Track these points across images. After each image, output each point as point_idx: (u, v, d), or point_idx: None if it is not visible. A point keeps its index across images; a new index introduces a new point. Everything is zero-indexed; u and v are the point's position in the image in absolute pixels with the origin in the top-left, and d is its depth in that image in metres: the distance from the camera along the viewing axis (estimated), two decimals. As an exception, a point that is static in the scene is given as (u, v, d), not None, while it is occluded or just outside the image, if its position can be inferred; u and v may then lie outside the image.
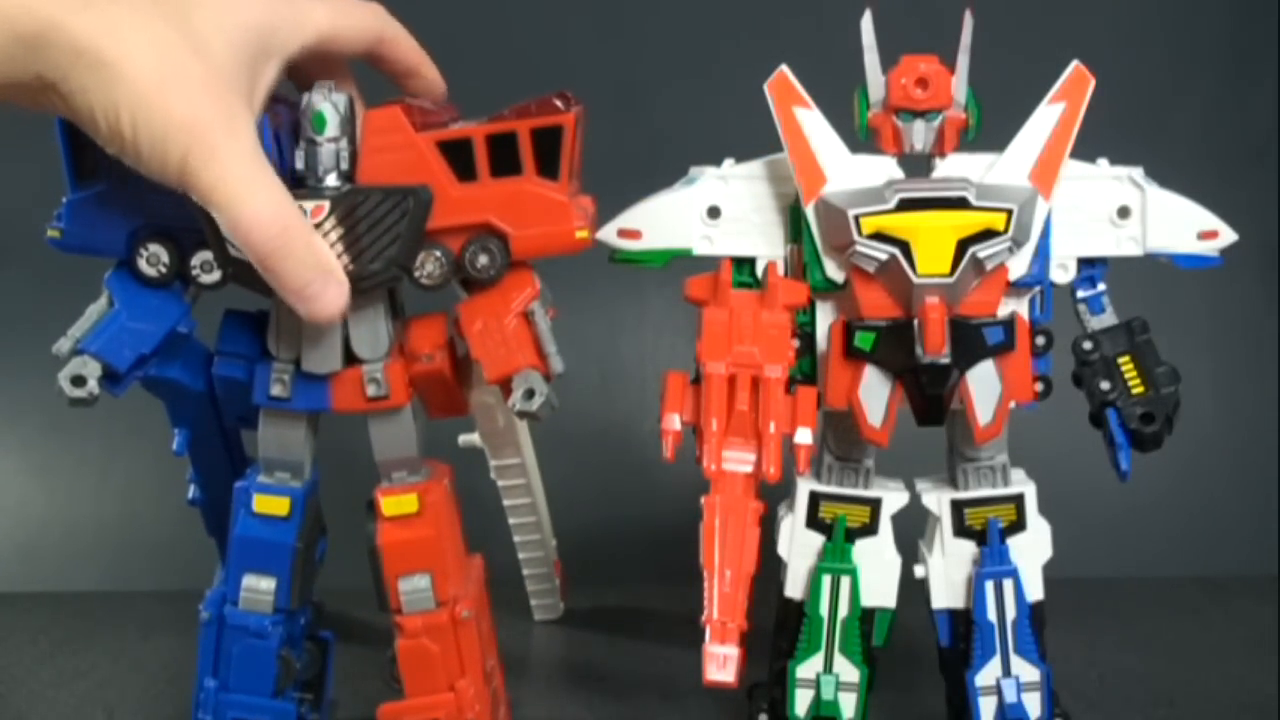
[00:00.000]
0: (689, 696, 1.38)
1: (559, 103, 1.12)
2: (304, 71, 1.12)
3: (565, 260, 1.14)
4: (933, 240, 1.12)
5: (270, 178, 1.01)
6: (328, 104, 1.11)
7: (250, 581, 1.18)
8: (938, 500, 1.23)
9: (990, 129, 1.19)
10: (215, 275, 1.12)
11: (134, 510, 1.80)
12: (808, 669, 1.22)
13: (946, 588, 1.23)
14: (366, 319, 1.15)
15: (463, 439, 1.49)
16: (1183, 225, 1.20)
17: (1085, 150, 1.19)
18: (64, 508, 1.82)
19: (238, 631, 1.18)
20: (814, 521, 1.22)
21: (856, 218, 1.13)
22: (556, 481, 1.58)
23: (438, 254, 1.13)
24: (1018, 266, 1.16)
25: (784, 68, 1.18)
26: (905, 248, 1.12)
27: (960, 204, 1.13)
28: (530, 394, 1.12)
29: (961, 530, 1.22)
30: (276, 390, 1.15)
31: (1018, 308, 1.18)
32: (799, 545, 1.22)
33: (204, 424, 1.26)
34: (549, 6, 1.92)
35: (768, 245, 1.20)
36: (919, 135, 1.17)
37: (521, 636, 1.57)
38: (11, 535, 1.80)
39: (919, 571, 1.23)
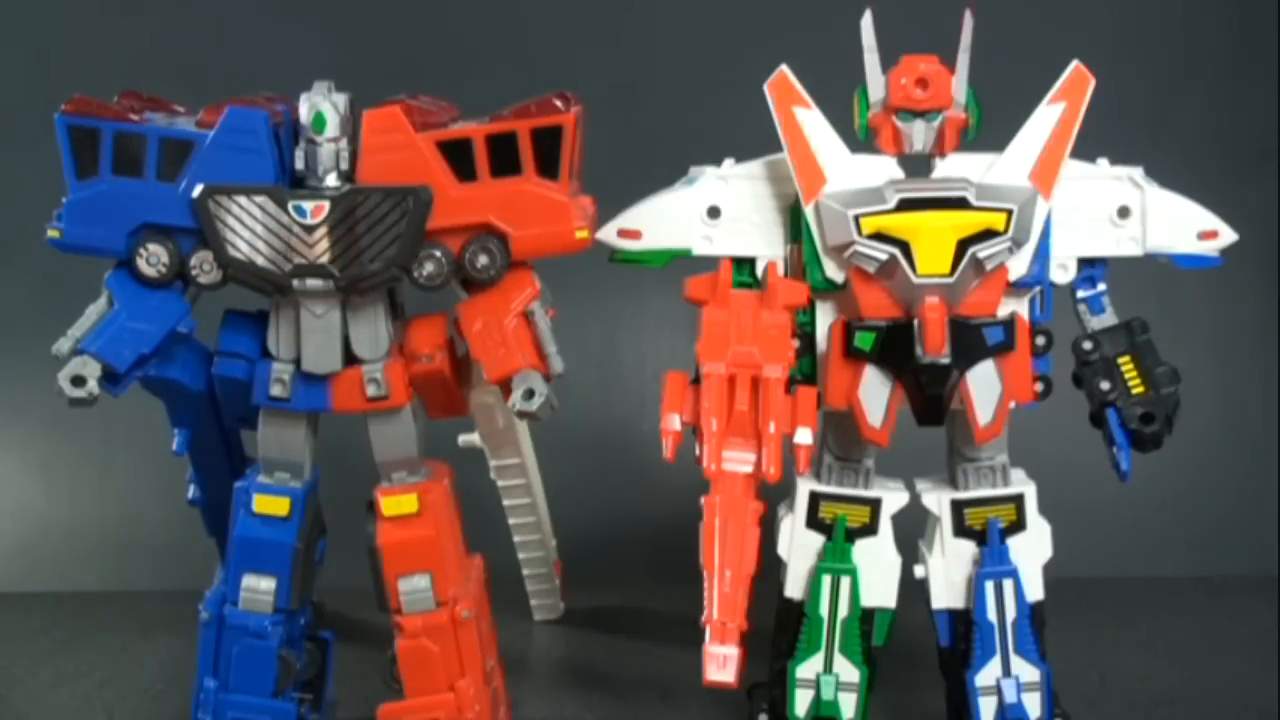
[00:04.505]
0: (689, 696, 1.38)
1: (559, 103, 1.12)
2: None
3: (565, 260, 1.14)
4: (933, 240, 1.12)
5: None
6: (328, 104, 1.11)
7: (250, 581, 1.18)
8: (938, 500, 1.23)
9: (990, 129, 1.19)
10: (215, 275, 1.12)
11: (134, 510, 1.80)
12: (808, 669, 1.22)
13: (946, 588, 1.23)
14: (366, 319, 1.15)
15: (463, 439, 1.49)
16: (1183, 225, 1.20)
17: (1085, 150, 1.19)
18: (64, 508, 1.82)
19: (238, 631, 1.18)
20: (814, 521, 1.22)
21: (856, 218, 1.13)
22: (556, 481, 1.58)
23: (438, 254, 1.13)
24: (1018, 266, 1.16)
25: (784, 68, 1.18)
26: (905, 248, 1.12)
27: (960, 204, 1.13)
28: (530, 394, 1.12)
29: (961, 530, 1.22)
30: (276, 390, 1.15)
31: (1018, 308, 1.18)
32: (799, 545, 1.22)
33: (204, 424, 1.26)
34: (549, 6, 1.92)
35: (768, 245, 1.20)
36: (919, 135, 1.17)
37: (521, 636, 1.57)
38: (11, 535, 1.80)
39: (919, 571, 1.23)
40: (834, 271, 1.16)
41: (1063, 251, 1.19)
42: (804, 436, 1.12)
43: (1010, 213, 1.13)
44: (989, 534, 1.21)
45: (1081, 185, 1.19)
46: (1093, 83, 1.17)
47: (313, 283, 1.12)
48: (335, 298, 1.13)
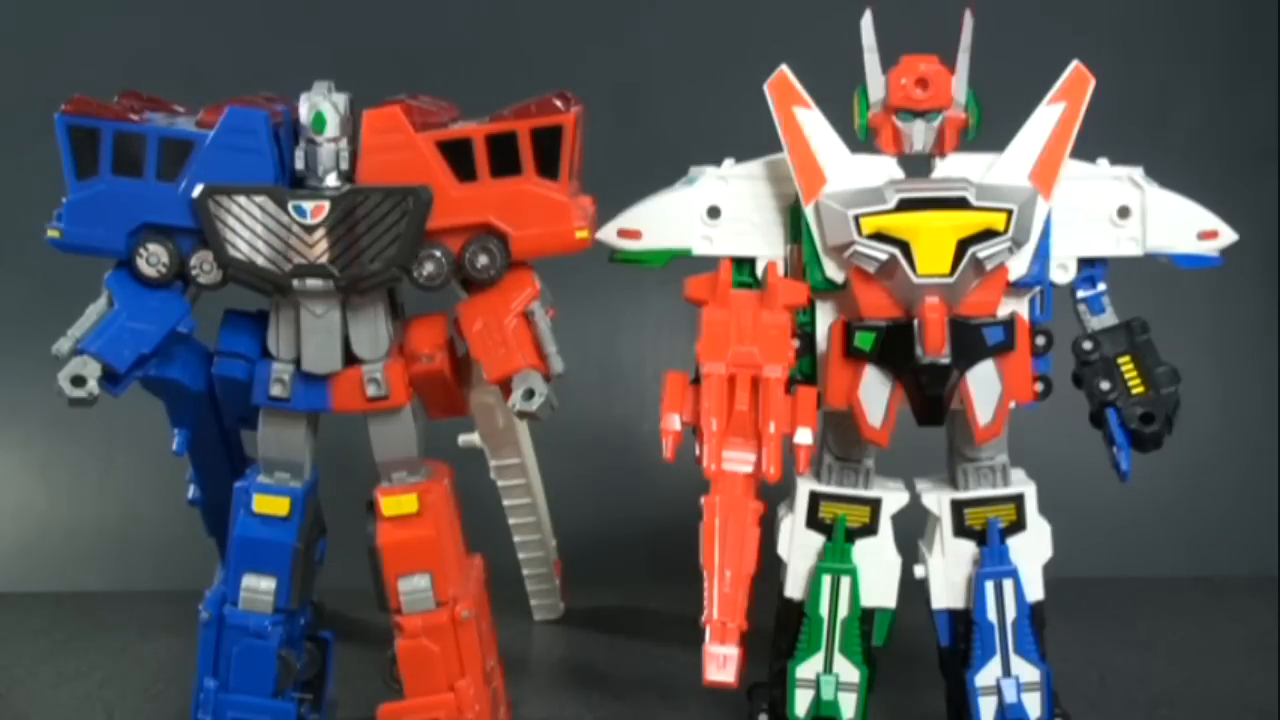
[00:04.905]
0: (689, 696, 1.38)
1: (559, 103, 1.12)
2: None
3: (565, 260, 1.14)
4: (933, 240, 1.12)
5: None
6: (328, 104, 1.11)
7: (250, 581, 1.18)
8: (938, 500, 1.23)
9: (990, 129, 1.19)
10: (215, 275, 1.12)
11: (134, 510, 1.80)
12: (808, 669, 1.22)
13: (946, 588, 1.23)
14: (366, 319, 1.15)
15: (463, 439, 1.49)
16: (1182, 225, 1.20)
17: (1085, 150, 1.19)
18: (64, 508, 1.82)
19: (238, 631, 1.18)
20: (814, 521, 1.22)
21: (856, 218, 1.13)
22: (556, 481, 1.58)
23: (438, 254, 1.13)
24: (1018, 266, 1.16)
25: (784, 68, 1.18)
26: (905, 248, 1.12)
27: (960, 204, 1.13)
28: (530, 394, 1.12)
29: (961, 530, 1.22)
30: (276, 390, 1.15)
31: (1018, 308, 1.18)
32: (799, 545, 1.22)
33: (204, 424, 1.26)
34: (549, 6, 1.92)
35: (768, 245, 1.20)
36: (919, 135, 1.17)
37: (521, 636, 1.57)
38: (11, 535, 1.80)
39: (919, 571, 1.23)
40: (834, 271, 1.16)
41: (1063, 251, 1.19)
42: (804, 436, 1.12)
43: (1010, 213, 1.13)
44: (989, 534, 1.21)
45: (1081, 185, 1.19)
46: (1093, 83, 1.17)
47: (313, 283, 1.12)
48: (335, 298, 1.13)
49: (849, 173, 1.17)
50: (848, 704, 1.22)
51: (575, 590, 1.64)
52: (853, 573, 1.21)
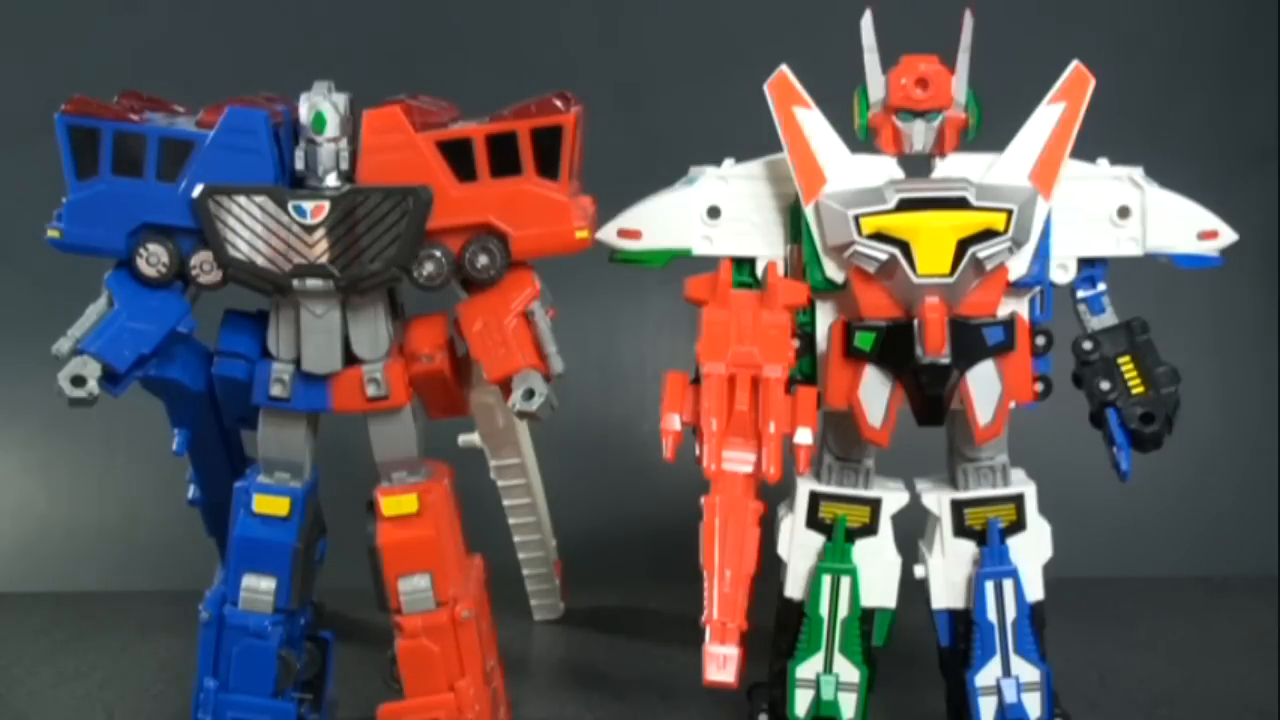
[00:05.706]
0: (689, 696, 1.38)
1: (559, 103, 1.12)
2: None
3: (565, 260, 1.14)
4: (933, 240, 1.12)
5: None
6: (328, 104, 1.11)
7: (250, 581, 1.18)
8: (938, 500, 1.23)
9: (990, 129, 1.19)
10: (215, 275, 1.13)
11: (134, 510, 1.80)
12: (808, 669, 1.22)
13: (946, 588, 1.23)
14: (366, 319, 1.15)
15: (463, 439, 1.49)
16: (1183, 225, 1.20)
17: (1085, 150, 1.19)
18: (64, 508, 1.82)
19: (238, 631, 1.18)
20: (814, 521, 1.22)
21: (856, 218, 1.13)
22: (556, 481, 1.58)
23: (437, 254, 1.13)
24: (1018, 266, 1.16)
25: (784, 68, 1.18)
26: (905, 248, 1.12)
27: (960, 204, 1.13)
28: (530, 394, 1.12)
29: (961, 530, 1.22)
30: (276, 390, 1.15)
31: (1018, 308, 1.18)
32: (799, 545, 1.22)
33: (204, 424, 1.26)
34: (549, 6, 1.92)
35: (768, 245, 1.20)
36: (919, 135, 1.17)
37: (521, 636, 1.57)
38: (11, 535, 1.80)
39: (919, 571, 1.23)
40: (834, 271, 1.16)
41: (1063, 251, 1.19)
42: (804, 436, 1.12)
43: (1010, 213, 1.13)
44: (989, 534, 1.21)
45: (1081, 185, 1.19)
46: (1093, 83, 1.17)
47: (313, 283, 1.12)
48: (335, 298, 1.13)
49: (849, 173, 1.17)
50: (848, 704, 1.22)
51: (575, 590, 1.64)
52: (853, 573, 1.21)
